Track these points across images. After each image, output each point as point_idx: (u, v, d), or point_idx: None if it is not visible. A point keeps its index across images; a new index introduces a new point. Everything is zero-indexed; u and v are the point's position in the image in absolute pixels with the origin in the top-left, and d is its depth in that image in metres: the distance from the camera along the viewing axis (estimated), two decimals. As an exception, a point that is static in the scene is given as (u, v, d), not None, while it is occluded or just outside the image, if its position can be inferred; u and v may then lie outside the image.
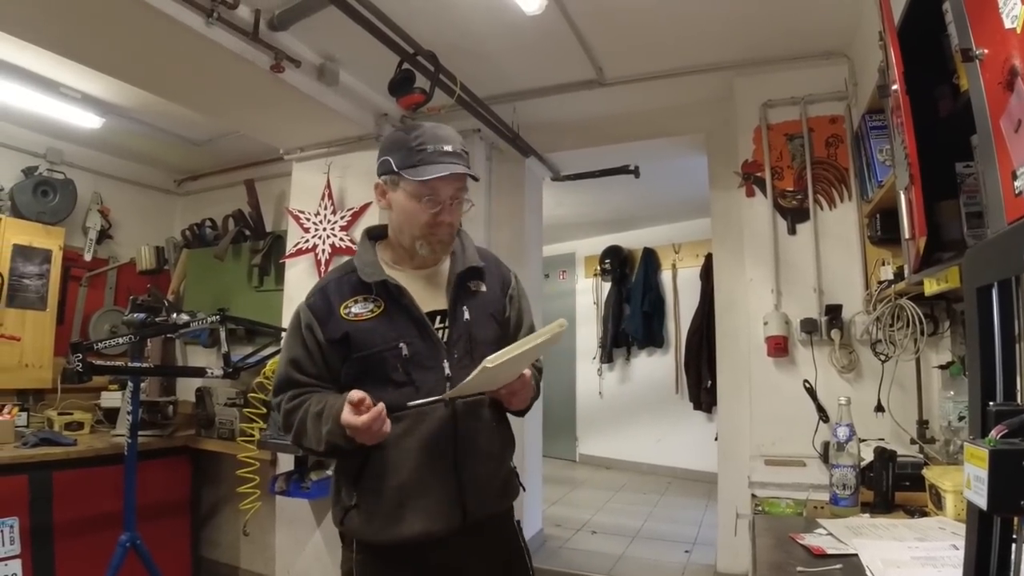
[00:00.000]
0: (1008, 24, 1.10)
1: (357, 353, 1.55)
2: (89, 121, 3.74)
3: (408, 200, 1.57)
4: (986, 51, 1.22)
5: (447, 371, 1.55)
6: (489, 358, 1.34)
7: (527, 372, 1.54)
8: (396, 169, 1.56)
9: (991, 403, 0.79)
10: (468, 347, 1.60)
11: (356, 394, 1.37)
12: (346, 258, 3.40)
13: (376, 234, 1.74)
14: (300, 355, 1.58)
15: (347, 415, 1.37)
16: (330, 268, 3.50)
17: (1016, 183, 1.08)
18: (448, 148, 1.55)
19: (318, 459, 3.37)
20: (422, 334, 1.56)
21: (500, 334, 1.68)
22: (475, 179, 1.60)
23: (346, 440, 1.42)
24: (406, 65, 2.83)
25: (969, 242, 1.59)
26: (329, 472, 3.34)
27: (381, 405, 1.38)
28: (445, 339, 1.58)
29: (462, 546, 1.56)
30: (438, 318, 1.60)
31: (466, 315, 1.62)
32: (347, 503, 1.56)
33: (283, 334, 3.43)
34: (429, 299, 1.61)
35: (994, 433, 0.73)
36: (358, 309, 1.57)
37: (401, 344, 1.53)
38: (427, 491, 1.52)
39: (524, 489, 1.79)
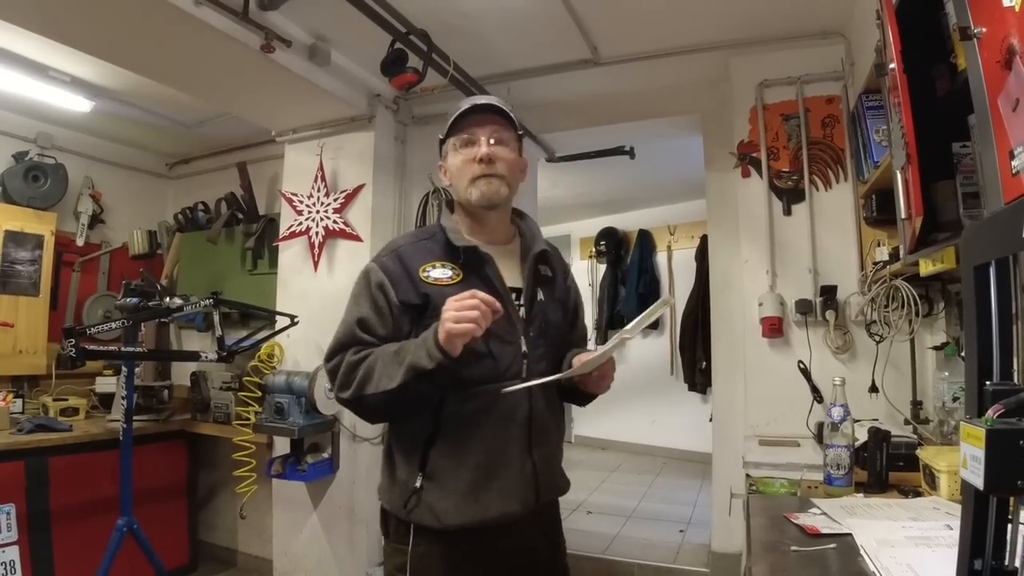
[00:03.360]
0: (1007, 2, 1.09)
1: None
2: (79, 105, 3.69)
3: (454, 156, 1.58)
4: (984, 30, 1.20)
5: (523, 348, 1.53)
6: (626, 328, 1.37)
7: (614, 355, 1.52)
8: (442, 137, 1.61)
9: (988, 383, 0.79)
10: (543, 327, 1.59)
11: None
12: (341, 240, 3.43)
13: (452, 209, 1.72)
14: (369, 315, 1.49)
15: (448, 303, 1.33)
16: (323, 250, 3.49)
17: (1013, 163, 1.07)
18: (480, 101, 1.57)
19: (312, 439, 3.37)
20: (503, 307, 1.46)
21: (563, 321, 1.69)
22: (509, 117, 1.59)
23: (435, 359, 1.32)
24: (398, 44, 2.80)
25: (965, 222, 1.58)
26: (326, 455, 3.36)
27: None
28: (523, 316, 1.56)
29: (527, 529, 1.54)
30: (513, 295, 1.57)
31: (540, 296, 1.62)
32: (411, 485, 1.47)
33: (277, 318, 3.46)
34: (505, 274, 1.58)
35: (991, 412, 0.73)
36: (438, 274, 1.52)
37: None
38: (505, 471, 1.48)
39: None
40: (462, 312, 1.30)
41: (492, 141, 1.55)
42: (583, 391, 1.62)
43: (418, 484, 1.47)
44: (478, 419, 1.47)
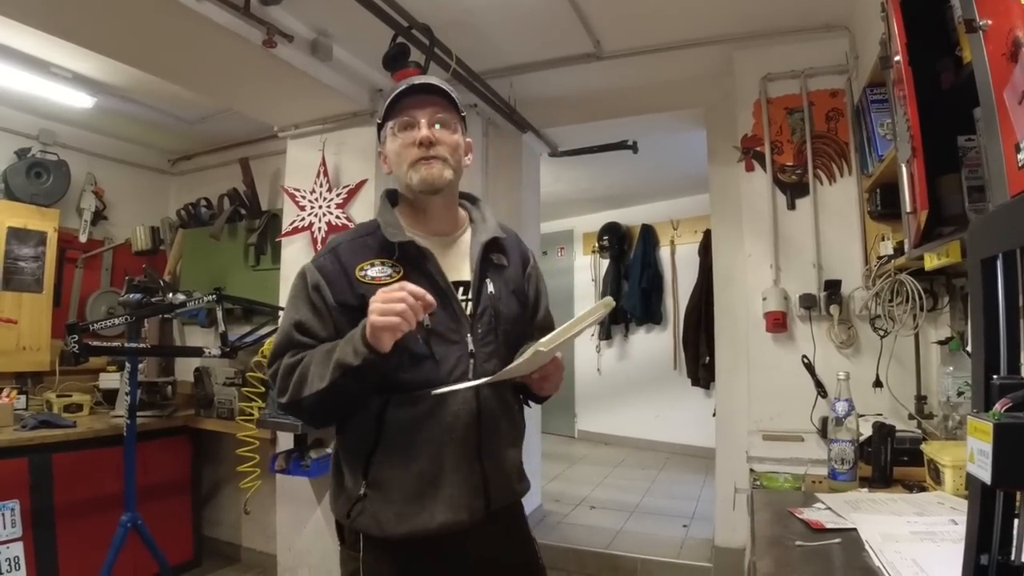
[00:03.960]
0: (1013, -7, 1.08)
1: None
2: (81, 101, 3.69)
3: (392, 141, 1.48)
4: (990, 22, 1.19)
5: (470, 346, 1.44)
6: (542, 341, 1.27)
7: (559, 355, 1.44)
8: (379, 121, 1.52)
9: (995, 376, 0.78)
10: (493, 322, 1.49)
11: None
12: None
13: (395, 199, 1.59)
14: (307, 317, 1.42)
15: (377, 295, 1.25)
16: (326, 243, 3.48)
17: (1019, 156, 1.06)
18: (418, 82, 1.47)
19: (316, 434, 3.38)
20: (445, 305, 1.42)
21: (521, 312, 1.58)
22: (450, 97, 1.50)
23: (361, 354, 1.25)
24: (400, 39, 2.79)
25: (971, 216, 1.58)
26: (329, 450, 3.35)
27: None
28: (469, 312, 1.47)
29: (480, 538, 1.44)
30: (460, 289, 1.48)
31: (490, 288, 1.51)
32: (355, 493, 1.42)
33: (280, 313, 3.45)
34: (451, 268, 1.49)
35: (999, 407, 0.72)
36: (375, 272, 1.43)
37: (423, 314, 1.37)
38: (450, 478, 1.39)
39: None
40: (388, 304, 1.22)
41: (433, 124, 1.46)
42: (531, 391, 1.57)
43: (362, 492, 1.41)
44: (420, 425, 1.39)
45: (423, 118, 1.45)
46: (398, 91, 1.46)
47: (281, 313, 3.41)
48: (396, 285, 1.26)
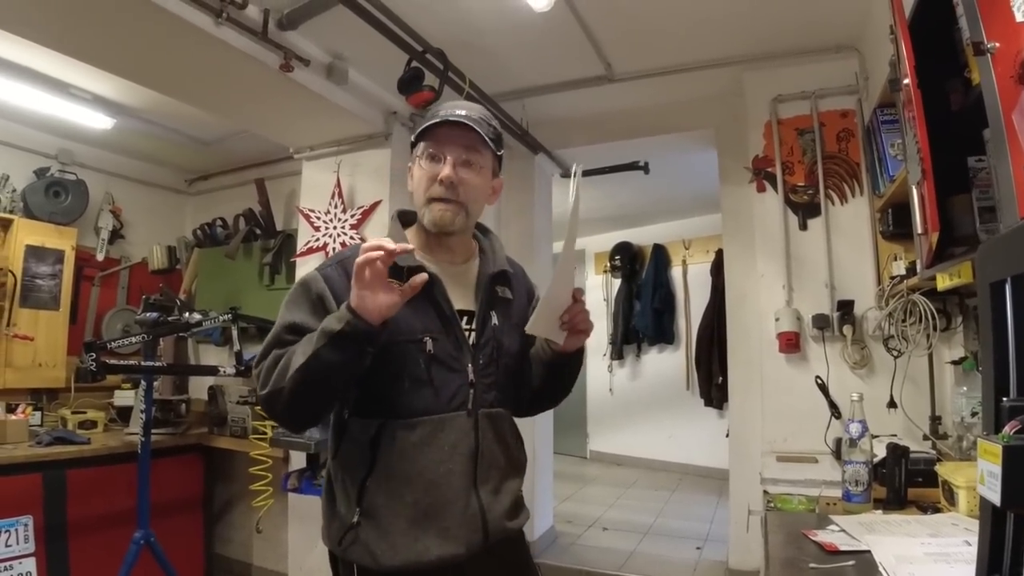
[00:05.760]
0: (1019, 17, 1.10)
1: None
2: (100, 122, 3.76)
3: (417, 167, 1.45)
4: (998, 45, 1.21)
5: (471, 376, 1.40)
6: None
7: (582, 296, 1.42)
8: (413, 140, 1.46)
9: (1005, 399, 0.78)
10: (495, 354, 1.46)
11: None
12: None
13: (407, 220, 1.55)
14: (304, 321, 1.36)
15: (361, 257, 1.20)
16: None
17: (1029, 177, 1.07)
18: (462, 112, 1.41)
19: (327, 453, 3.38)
20: (448, 332, 1.40)
21: (522, 347, 1.54)
22: (487, 139, 1.42)
23: (344, 319, 1.22)
24: (415, 63, 2.84)
25: (982, 237, 1.58)
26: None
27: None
28: (472, 342, 1.43)
29: (477, 570, 1.39)
30: (464, 319, 1.44)
31: (494, 320, 1.48)
32: (348, 520, 1.36)
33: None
34: (457, 297, 1.45)
35: (1008, 429, 0.73)
36: None
37: (426, 338, 1.36)
38: (447, 509, 1.35)
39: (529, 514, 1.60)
40: (368, 254, 1.19)
41: (459, 163, 1.41)
42: (564, 355, 1.49)
43: (355, 520, 1.36)
44: (417, 452, 1.34)
45: (450, 155, 1.40)
46: (434, 121, 1.41)
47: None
48: (373, 241, 1.22)
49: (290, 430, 1.64)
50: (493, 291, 1.52)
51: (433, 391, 1.37)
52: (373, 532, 1.34)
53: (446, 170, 1.39)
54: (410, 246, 1.26)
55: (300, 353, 1.26)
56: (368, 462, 1.36)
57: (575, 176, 1.29)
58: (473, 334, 1.45)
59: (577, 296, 1.41)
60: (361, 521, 1.35)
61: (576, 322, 1.42)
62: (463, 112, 1.41)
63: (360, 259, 1.20)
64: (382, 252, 1.19)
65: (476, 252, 1.59)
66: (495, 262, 1.55)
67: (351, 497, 1.38)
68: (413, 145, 1.48)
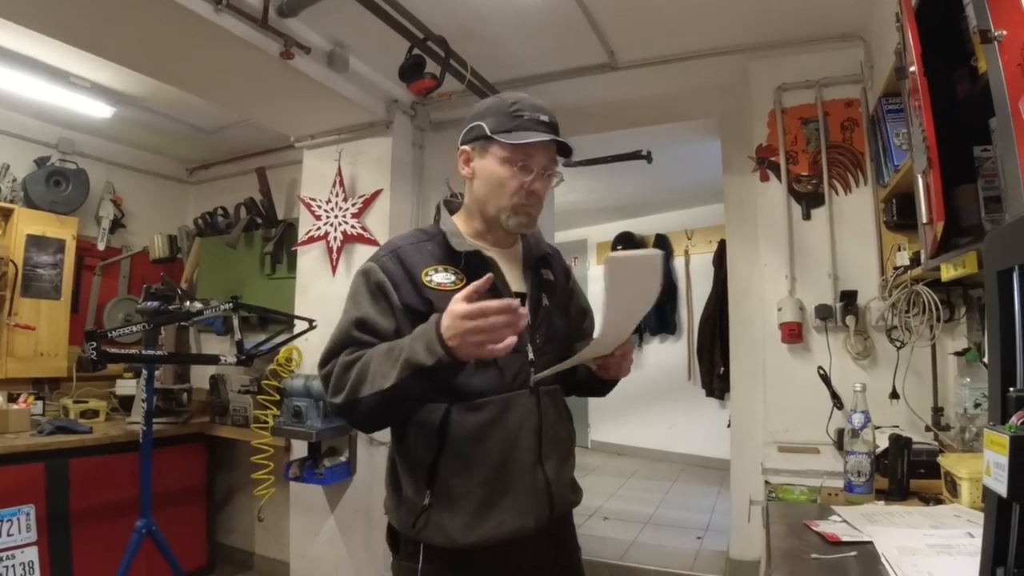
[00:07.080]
0: (1028, 4, 1.08)
1: None
2: (100, 111, 3.75)
3: (499, 166, 1.45)
4: (1005, 32, 1.19)
5: (531, 355, 1.47)
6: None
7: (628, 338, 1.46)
8: (490, 133, 1.44)
9: (1011, 389, 0.77)
10: (549, 333, 1.53)
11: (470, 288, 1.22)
12: (359, 245, 3.45)
13: (451, 208, 1.61)
14: (370, 315, 1.39)
15: (459, 305, 1.19)
16: (341, 255, 3.50)
17: (1037, 166, 1.06)
18: (545, 119, 1.45)
19: (330, 442, 3.38)
20: None
21: (567, 325, 1.62)
22: (568, 153, 1.50)
23: (436, 355, 1.20)
24: (416, 50, 2.82)
25: (987, 227, 1.57)
26: (343, 458, 3.36)
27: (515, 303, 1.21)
28: (528, 322, 1.40)
29: (538, 544, 1.47)
30: (518, 301, 1.47)
31: (545, 301, 1.55)
32: (419, 504, 1.40)
33: (295, 322, 3.48)
34: (510, 279, 1.51)
35: (1015, 419, 0.72)
36: (440, 278, 1.44)
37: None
38: (517, 485, 1.41)
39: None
40: (487, 322, 1.18)
41: (543, 176, 1.47)
42: (603, 379, 1.57)
43: (426, 502, 1.39)
44: (485, 432, 1.40)
45: (538, 167, 1.46)
46: (525, 123, 1.43)
47: (297, 322, 3.45)
48: (499, 303, 1.20)
49: (364, 432, 1.70)
50: (539, 273, 1.59)
51: (498, 371, 1.43)
52: (446, 513, 1.38)
53: (537, 183, 1.46)
54: (523, 312, 1.23)
55: (379, 374, 1.27)
56: (436, 445, 1.39)
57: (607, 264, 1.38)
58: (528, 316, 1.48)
59: (618, 351, 1.45)
60: (433, 503, 1.39)
61: (609, 367, 1.50)
62: (546, 119, 1.46)
63: (503, 320, 1.18)
64: (519, 319, 1.21)
65: (518, 236, 1.63)
66: (538, 245, 1.63)
67: (420, 481, 1.41)
68: (486, 136, 1.46)
